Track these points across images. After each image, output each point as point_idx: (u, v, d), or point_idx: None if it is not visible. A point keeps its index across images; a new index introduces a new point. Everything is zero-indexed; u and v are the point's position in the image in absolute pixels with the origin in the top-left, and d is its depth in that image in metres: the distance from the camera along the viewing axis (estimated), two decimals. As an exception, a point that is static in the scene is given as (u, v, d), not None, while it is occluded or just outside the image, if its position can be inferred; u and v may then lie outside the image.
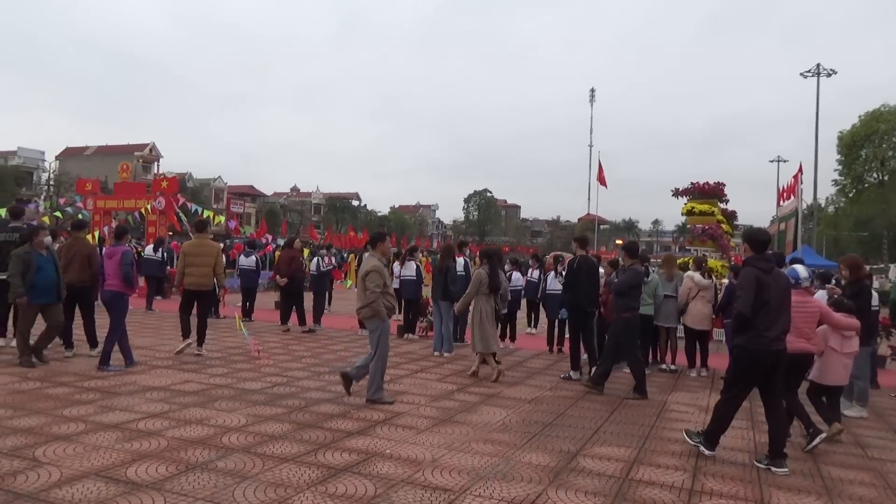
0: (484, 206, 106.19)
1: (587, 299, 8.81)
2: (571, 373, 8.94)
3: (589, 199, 68.76)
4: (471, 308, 9.19)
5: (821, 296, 8.30)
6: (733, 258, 16.37)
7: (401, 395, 7.44)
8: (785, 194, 20.97)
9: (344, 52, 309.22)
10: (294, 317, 12.61)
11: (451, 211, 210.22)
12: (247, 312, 13.78)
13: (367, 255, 7.37)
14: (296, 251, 12.58)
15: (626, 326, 8.00)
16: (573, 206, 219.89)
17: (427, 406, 6.95)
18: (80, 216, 18.02)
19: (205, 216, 17.01)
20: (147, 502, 3.97)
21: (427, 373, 8.93)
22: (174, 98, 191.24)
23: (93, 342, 8.97)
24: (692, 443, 5.68)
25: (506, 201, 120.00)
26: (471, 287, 9.17)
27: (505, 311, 9.39)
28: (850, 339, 6.34)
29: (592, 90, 71.97)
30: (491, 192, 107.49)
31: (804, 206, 23.93)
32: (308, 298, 12.99)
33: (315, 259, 13.35)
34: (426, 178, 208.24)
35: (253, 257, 13.89)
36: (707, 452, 5.52)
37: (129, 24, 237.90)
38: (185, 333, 9.33)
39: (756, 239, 5.54)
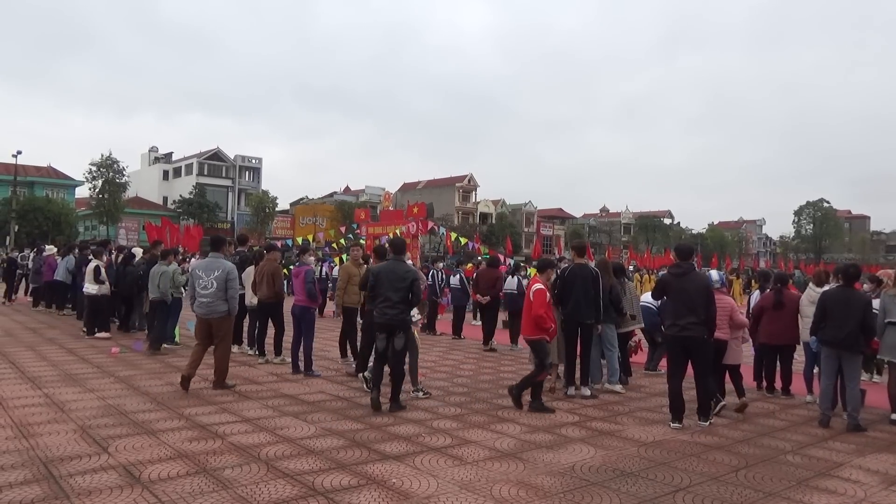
0: (819, 219, 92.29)
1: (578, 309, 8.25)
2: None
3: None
4: None
5: None
6: None
7: (502, 422, 6.87)
8: None
9: (669, 61, 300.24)
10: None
11: (780, 226, 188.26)
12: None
13: None
14: (498, 271, 12.47)
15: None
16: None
17: (511, 438, 6.27)
18: (342, 242, 20.55)
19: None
20: (121, 496, 4.34)
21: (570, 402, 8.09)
22: (500, 128, 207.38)
23: (278, 351, 10.14)
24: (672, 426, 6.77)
25: (849, 212, 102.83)
26: None
27: None
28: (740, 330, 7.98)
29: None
30: (829, 203, 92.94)
31: None
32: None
33: (515, 278, 13.08)
34: (755, 190, 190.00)
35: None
36: (672, 425, 6.76)
37: (469, 68, 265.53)
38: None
39: (679, 249, 7.50)
